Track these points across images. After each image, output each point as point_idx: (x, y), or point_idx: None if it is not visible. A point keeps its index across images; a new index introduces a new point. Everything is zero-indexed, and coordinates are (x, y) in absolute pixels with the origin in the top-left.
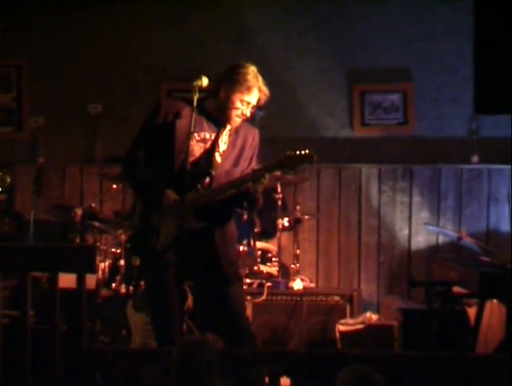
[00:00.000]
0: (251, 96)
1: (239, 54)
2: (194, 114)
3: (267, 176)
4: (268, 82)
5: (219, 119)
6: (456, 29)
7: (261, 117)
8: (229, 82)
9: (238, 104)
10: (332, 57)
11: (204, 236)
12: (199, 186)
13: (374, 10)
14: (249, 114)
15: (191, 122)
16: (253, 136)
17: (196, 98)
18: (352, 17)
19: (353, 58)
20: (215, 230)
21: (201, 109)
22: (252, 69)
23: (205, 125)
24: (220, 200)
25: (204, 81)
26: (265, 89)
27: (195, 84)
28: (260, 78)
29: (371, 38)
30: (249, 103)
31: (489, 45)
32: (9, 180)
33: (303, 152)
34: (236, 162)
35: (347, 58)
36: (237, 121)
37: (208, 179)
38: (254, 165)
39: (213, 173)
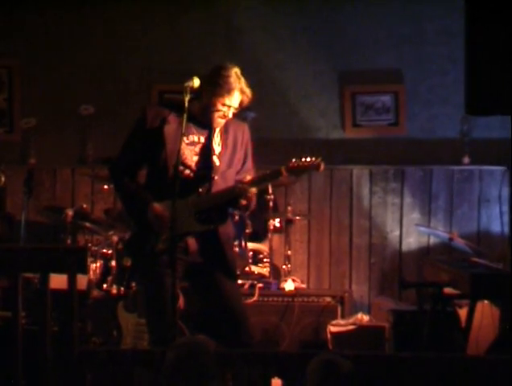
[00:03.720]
0: (232, 98)
1: (231, 55)
2: (185, 115)
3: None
4: (260, 83)
5: (204, 121)
6: (447, 30)
7: (252, 118)
8: (210, 85)
9: (219, 106)
10: (324, 58)
11: (209, 237)
12: (200, 189)
13: (366, 11)
14: (231, 116)
15: (179, 127)
16: (242, 131)
17: (187, 99)
18: (343, 18)
19: (344, 59)
20: (219, 230)
21: (188, 112)
22: (234, 71)
23: (193, 128)
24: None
25: (196, 82)
26: (247, 91)
27: (186, 85)
28: (242, 80)
29: (362, 39)
30: (230, 105)
31: (480, 46)
32: (3, 179)
33: (309, 159)
34: (230, 163)
35: (338, 59)
36: (219, 122)
37: (208, 184)
38: (250, 163)
39: (215, 178)
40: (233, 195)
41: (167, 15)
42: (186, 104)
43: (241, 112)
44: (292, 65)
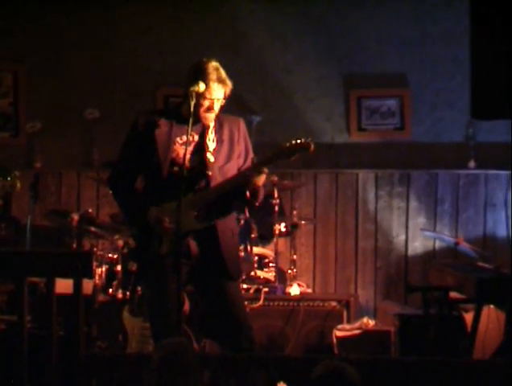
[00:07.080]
0: (211, 90)
1: (236, 58)
2: (191, 119)
3: (266, 169)
4: (264, 86)
5: (194, 120)
6: (452, 34)
7: (258, 122)
8: (190, 82)
9: (201, 100)
10: (329, 62)
11: (206, 235)
12: (196, 187)
13: (371, 15)
14: (217, 109)
15: (170, 129)
16: (237, 126)
17: (193, 104)
18: (348, 22)
19: (349, 63)
20: (217, 227)
21: (177, 114)
22: (211, 64)
23: (185, 128)
24: (220, 195)
25: (201, 86)
26: (227, 81)
27: (192, 89)
28: (221, 71)
29: (368, 43)
30: (211, 98)
31: (486, 49)
32: (19, 185)
33: (299, 141)
34: (228, 157)
35: (344, 63)
36: (207, 117)
37: (204, 181)
38: (251, 156)
39: (210, 173)
40: (247, 176)
41: (171, 18)
42: (192, 109)
43: (247, 116)
44: (297, 69)
